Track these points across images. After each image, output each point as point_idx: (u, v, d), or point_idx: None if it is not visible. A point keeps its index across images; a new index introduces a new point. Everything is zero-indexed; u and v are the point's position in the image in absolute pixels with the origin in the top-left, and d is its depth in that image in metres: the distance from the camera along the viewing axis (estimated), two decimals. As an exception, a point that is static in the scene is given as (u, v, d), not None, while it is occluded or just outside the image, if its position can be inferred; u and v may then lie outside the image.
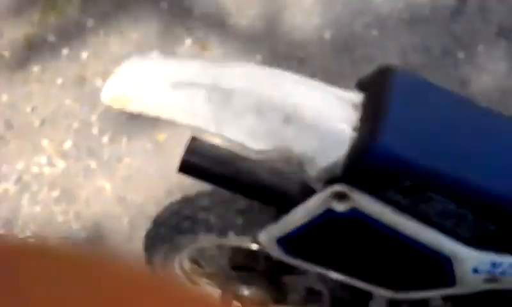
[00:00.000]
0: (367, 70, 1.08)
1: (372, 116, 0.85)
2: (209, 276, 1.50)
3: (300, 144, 0.84)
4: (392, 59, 2.06)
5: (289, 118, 0.84)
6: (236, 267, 1.34)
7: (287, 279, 1.35)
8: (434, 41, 2.17)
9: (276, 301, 1.40)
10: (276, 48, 2.09)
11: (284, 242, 0.98)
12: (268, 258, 1.15)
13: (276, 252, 1.02)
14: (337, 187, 0.84)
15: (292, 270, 1.25)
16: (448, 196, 0.84)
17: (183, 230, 1.15)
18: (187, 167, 0.93)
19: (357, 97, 0.90)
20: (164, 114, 0.85)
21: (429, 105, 0.92)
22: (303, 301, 1.47)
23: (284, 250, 1.00)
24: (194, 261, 1.41)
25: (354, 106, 0.88)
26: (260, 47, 2.08)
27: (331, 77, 1.91)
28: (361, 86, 0.93)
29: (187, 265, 1.40)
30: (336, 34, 2.16)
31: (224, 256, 1.34)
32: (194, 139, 0.94)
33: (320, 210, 0.88)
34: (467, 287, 0.97)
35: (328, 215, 0.88)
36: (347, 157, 0.82)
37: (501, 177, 0.86)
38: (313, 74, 1.79)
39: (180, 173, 0.94)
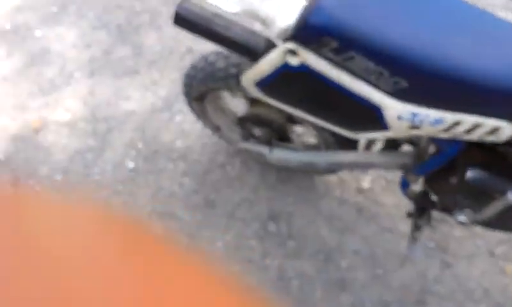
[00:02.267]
0: None
1: None
2: (230, 114, 1.89)
3: (263, 10, 1.06)
4: None
5: None
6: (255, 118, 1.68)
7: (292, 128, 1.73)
8: None
9: (280, 140, 1.74)
10: None
11: (260, 86, 1.25)
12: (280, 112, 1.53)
13: (257, 94, 1.30)
14: (289, 44, 1.08)
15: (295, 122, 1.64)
16: (366, 55, 1.03)
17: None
18: (178, 19, 1.20)
19: None
20: None
21: None
22: (304, 144, 1.79)
23: (262, 92, 1.28)
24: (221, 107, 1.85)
25: None
26: None
27: None
28: None
29: (214, 105, 1.83)
30: None
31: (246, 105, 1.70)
32: (185, 0, 1.20)
33: (279, 63, 1.14)
34: (398, 131, 1.20)
35: (286, 67, 1.14)
36: (296, 21, 1.04)
37: (412, 42, 1.01)
38: None
39: (174, 25, 1.21)
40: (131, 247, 0.28)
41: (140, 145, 2.21)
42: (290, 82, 1.20)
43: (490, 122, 1.08)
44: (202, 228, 2.00)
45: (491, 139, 1.13)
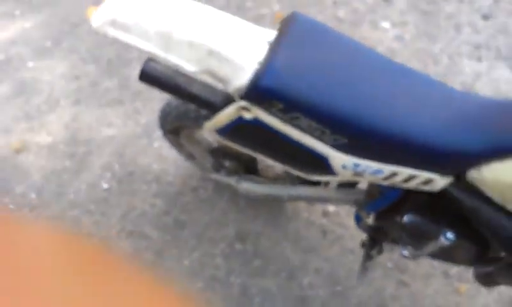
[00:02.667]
0: None
1: (269, 53, 1.17)
2: (204, 145, 1.95)
3: (220, 71, 1.18)
4: None
5: (212, 52, 1.16)
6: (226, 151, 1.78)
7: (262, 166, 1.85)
8: None
9: (248, 172, 1.83)
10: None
11: (220, 133, 1.35)
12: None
13: (218, 139, 1.41)
14: (242, 103, 1.20)
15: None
16: (308, 117, 1.16)
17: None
18: (144, 76, 1.30)
19: (272, 35, 1.23)
20: (131, 41, 1.19)
21: (316, 46, 1.20)
22: (270, 177, 1.89)
23: (222, 138, 1.38)
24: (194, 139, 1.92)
25: (267, 43, 1.21)
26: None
27: None
28: (280, 26, 1.27)
29: (189, 138, 1.90)
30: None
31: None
32: (150, 59, 1.31)
33: (235, 117, 1.25)
34: (344, 177, 1.32)
35: (241, 120, 1.25)
36: (248, 82, 1.16)
37: (347, 106, 1.14)
38: None
39: (140, 81, 1.32)
40: (95, 266, 0.28)
41: (116, 167, 2.26)
42: (246, 132, 1.30)
43: (423, 174, 1.20)
44: (170, 247, 2.01)
45: (426, 188, 1.25)
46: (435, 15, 3.00)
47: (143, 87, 2.59)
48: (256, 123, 1.24)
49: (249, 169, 1.82)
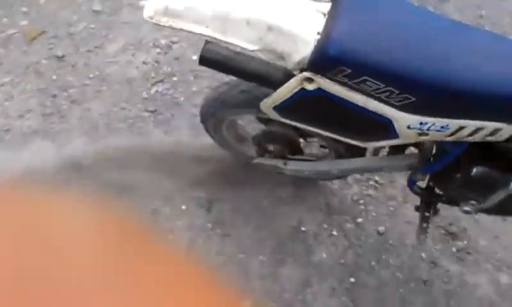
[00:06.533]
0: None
1: (329, 22, 1.14)
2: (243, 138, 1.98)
3: (280, 46, 1.15)
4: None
5: (271, 27, 1.14)
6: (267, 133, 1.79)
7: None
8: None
9: (293, 153, 1.82)
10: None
11: (277, 109, 1.37)
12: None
13: (275, 116, 1.42)
14: (306, 74, 1.18)
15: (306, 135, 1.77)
16: (376, 79, 1.13)
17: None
18: (203, 61, 1.28)
19: (325, 6, 1.19)
20: (186, 28, 1.17)
21: (373, 9, 1.18)
22: (315, 155, 1.90)
23: (279, 115, 1.40)
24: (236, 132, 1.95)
25: (322, 14, 1.17)
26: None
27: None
28: None
29: (231, 129, 1.90)
30: None
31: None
32: (208, 42, 1.31)
33: (297, 89, 1.23)
34: (407, 139, 1.31)
35: (302, 92, 1.23)
36: (311, 53, 1.13)
37: (416, 64, 1.12)
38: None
39: (200, 65, 1.30)
40: (131, 246, 0.28)
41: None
42: (306, 105, 1.28)
43: (491, 125, 1.18)
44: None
45: (493, 139, 1.23)
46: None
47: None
48: (319, 93, 1.21)
49: (293, 149, 1.80)
